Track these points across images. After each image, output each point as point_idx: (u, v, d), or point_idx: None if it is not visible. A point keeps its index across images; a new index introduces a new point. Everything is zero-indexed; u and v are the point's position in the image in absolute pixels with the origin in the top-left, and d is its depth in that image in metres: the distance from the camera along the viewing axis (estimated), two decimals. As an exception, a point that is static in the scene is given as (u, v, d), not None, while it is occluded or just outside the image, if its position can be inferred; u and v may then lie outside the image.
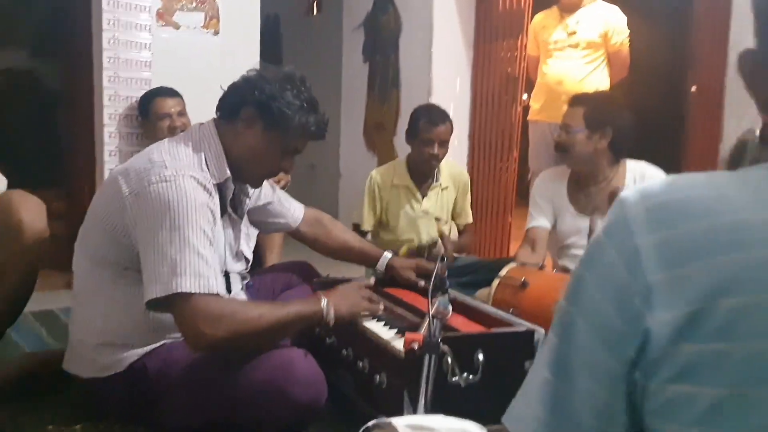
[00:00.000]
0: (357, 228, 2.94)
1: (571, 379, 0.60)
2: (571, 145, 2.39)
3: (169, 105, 2.97)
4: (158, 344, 1.66)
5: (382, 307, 1.78)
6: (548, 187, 2.54)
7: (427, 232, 2.97)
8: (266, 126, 1.70)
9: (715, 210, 0.56)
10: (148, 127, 3.03)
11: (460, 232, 3.09)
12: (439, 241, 2.84)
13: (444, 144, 2.84)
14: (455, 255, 2.84)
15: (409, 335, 1.35)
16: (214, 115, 1.79)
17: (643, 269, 0.56)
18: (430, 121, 2.78)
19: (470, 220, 3.13)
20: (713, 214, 0.55)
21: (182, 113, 2.98)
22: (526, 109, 3.97)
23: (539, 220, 2.55)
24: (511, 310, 1.74)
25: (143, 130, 3.10)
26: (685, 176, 0.60)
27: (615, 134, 2.33)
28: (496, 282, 2.08)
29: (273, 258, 2.89)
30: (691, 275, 0.54)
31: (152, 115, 2.98)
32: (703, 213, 0.56)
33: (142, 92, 3.21)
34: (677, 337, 0.54)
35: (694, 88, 3.23)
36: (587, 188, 2.45)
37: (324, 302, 1.62)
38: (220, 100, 1.77)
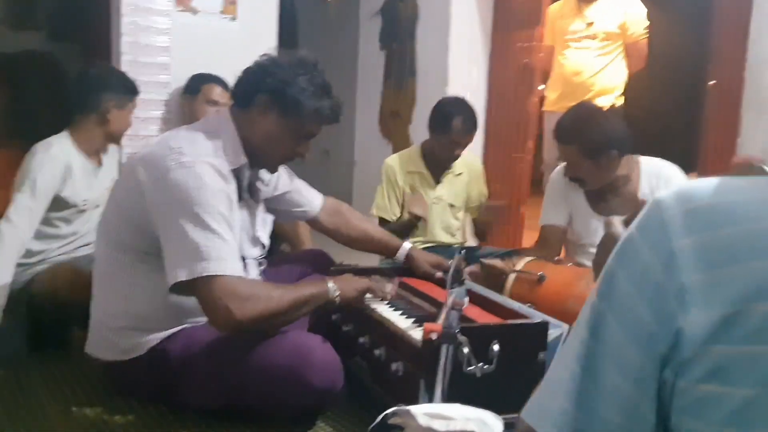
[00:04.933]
0: (381, 221, 2.91)
1: (598, 375, 0.61)
2: (586, 178, 2.35)
3: (220, 94, 3.01)
4: (178, 328, 1.70)
5: (389, 288, 1.81)
6: (565, 186, 2.50)
7: (440, 219, 2.98)
8: (281, 112, 1.72)
9: (753, 215, 0.56)
10: (191, 105, 3.05)
11: (474, 220, 3.13)
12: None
13: (467, 145, 2.88)
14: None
15: (428, 325, 1.37)
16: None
17: (679, 270, 0.57)
18: (464, 125, 2.77)
19: (487, 196, 3.16)
20: (751, 219, 0.56)
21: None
22: (542, 99, 3.96)
23: (554, 218, 2.52)
24: (528, 305, 1.76)
25: (186, 108, 3.12)
26: (722, 180, 0.60)
27: (616, 145, 2.28)
28: (512, 276, 2.08)
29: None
30: (727, 278, 0.55)
31: (200, 96, 3.02)
32: (742, 217, 0.56)
33: (161, 77, 3.24)
34: (710, 339, 0.55)
35: (712, 82, 3.21)
36: (605, 194, 2.43)
37: (330, 284, 1.68)
38: (235, 87, 1.79)
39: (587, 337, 0.63)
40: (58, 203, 2.26)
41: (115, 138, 2.49)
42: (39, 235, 2.25)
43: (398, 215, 2.94)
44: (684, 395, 0.57)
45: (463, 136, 2.80)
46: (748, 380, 0.54)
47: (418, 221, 2.89)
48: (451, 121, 2.76)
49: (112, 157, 2.53)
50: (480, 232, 3.12)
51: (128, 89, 2.48)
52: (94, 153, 2.42)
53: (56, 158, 2.23)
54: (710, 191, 0.59)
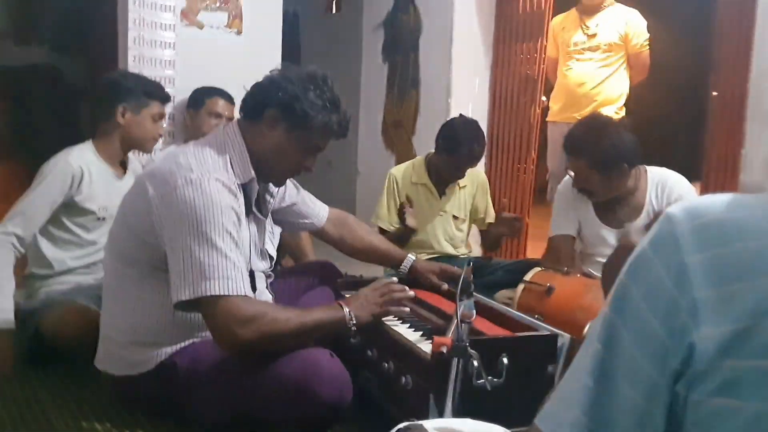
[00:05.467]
0: (381, 230, 2.93)
1: (612, 387, 0.62)
2: (595, 191, 2.35)
3: (223, 107, 3.03)
4: (187, 342, 1.69)
5: (407, 309, 1.78)
6: (573, 197, 2.50)
7: (444, 230, 3.00)
8: (289, 126, 1.72)
9: (762, 231, 0.57)
10: (195, 118, 3.07)
11: (484, 231, 3.16)
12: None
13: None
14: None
15: (437, 339, 1.37)
16: (238, 116, 1.82)
17: (691, 285, 0.57)
18: (474, 152, 2.78)
19: (493, 219, 3.16)
20: (760, 235, 0.57)
21: (231, 119, 3.03)
22: (545, 110, 3.97)
23: (563, 229, 2.53)
24: (536, 316, 1.76)
25: (189, 121, 3.13)
26: (732, 196, 0.61)
27: (627, 158, 2.28)
28: (521, 287, 2.08)
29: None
30: (738, 294, 0.56)
31: (204, 109, 3.03)
32: (751, 234, 0.57)
33: (165, 90, 3.26)
34: (722, 353, 0.56)
35: (714, 93, 3.21)
36: (613, 204, 2.43)
37: (346, 311, 1.64)
38: (243, 101, 1.79)
39: (601, 349, 0.64)
40: (73, 209, 2.26)
41: (138, 145, 2.44)
42: (55, 241, 2.27)
43: (396, 225, 2.96)
44: (697, 409, 0.58)
45: (470, 161, 2.84)
46: (760, 394, 0.55)
47: (412, 233, 2.90)
48: (461, 147, 2.76)
49: (138, 167, 2.52)
50: (491, 243, 3.14)
51: (145, 93, 2.40)
52: (116, 161, 2.41)
53: (68, 163, 2.23)
54: (720, 207, 0.60)
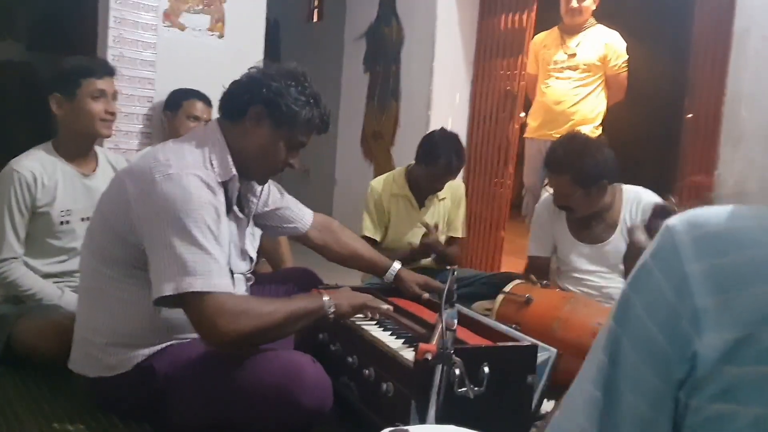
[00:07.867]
0: (369, 242, 2.91)
1: (617, 397, 0.63)
2: (575, 207, 2.39)
3: (201, 109, 3.00)
4: (165, 344, 1.67)
5: (386, 306, 1.80)
6: (549, 217, 2.55)
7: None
8: (274, 123, 1.71)
9: (760, 241, 0.59)
10: (172, 122, 3.04)
11: (447, 244, 3.08)
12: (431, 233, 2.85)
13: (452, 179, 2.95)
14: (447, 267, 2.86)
15: (423, 346, 1.37)
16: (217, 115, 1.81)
17: (692, 294, 0.59)
18: (452, 164, 2.79)
19: (460, 234, 3.10)
20: (759, 245, 0.59)
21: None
22: (523, 125, 4.02)
23: (539, 251, 2.60)
24: (514, 325, 1.77)
25: (167, 123, 3.09)
26: (730, 207, 0.62)
27: (607, 175, 2.33)
28: (500, 297, 2.10)
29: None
30: (739, 302, 0.57)
31: (181, 111, 3.00)
32: (750, 244, 0.59)
33: (145, 91, 3.23)
34: (723, 359, 0.57)
35: (689, 115, 3.29)
36: (589, 221, 2.47)
37: (326, 298, 1.67)
38: (223, 100, 1.77)
39: (605, 361, 0.64)
40: (31, 216, 2.12)
41: (85, 131, 2.20)
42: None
43: (383, 237, 2.95)
44: (697, 414, 0.59)
45: (449, 174, 2.85)
46: (760, 399, 0.56)
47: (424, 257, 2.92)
48: (440, 159, 2.78)
49: (107, 167, 2.36)
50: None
51: (74, 73, 2.15)
52: (79, 158, 2.25)
53: (13, 170, 2.09)
54: (719, 218, 0.61)
